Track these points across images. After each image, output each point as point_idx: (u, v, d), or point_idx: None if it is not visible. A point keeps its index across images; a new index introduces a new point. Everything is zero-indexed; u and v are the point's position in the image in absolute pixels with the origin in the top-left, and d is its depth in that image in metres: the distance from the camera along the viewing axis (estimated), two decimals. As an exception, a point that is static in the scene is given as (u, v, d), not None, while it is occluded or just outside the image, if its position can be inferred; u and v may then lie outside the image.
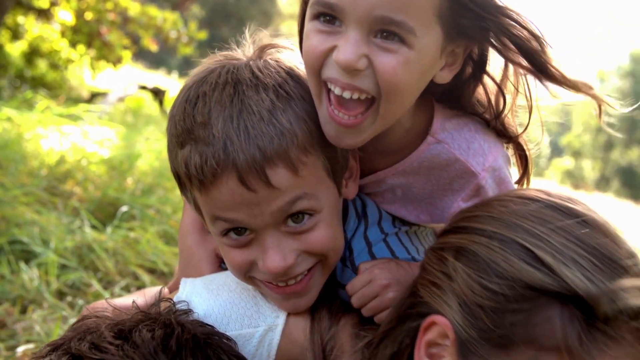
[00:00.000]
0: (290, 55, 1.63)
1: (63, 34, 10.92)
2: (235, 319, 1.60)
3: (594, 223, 1.28)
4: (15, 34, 11.08)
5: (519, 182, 1.77)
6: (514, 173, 1.76)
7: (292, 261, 1.51)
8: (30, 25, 10.98)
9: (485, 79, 1.63)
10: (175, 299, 1.62)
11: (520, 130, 1.70)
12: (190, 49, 11.28)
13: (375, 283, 1.59)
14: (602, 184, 45.75)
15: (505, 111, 1.65)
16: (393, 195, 1.74)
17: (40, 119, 6.67)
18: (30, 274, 3.50)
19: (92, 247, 3.92)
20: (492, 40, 1.50)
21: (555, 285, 1.18)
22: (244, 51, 1.62)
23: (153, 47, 11.26)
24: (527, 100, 1.64)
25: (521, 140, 1.72)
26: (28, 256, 3.74)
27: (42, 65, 11.25)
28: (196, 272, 1.78)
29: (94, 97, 11.18)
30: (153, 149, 6.71)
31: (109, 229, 4.24)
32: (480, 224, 1.35)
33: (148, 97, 12.38)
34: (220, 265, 1.82)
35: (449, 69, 1.53)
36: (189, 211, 1.89)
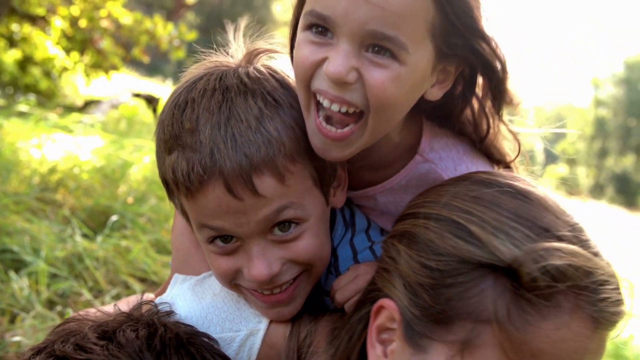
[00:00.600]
0: (281, 62, 1.61)
1: (57, 42, 10.90)
2: (216, 322, 1.60)
3: (531, 196, 1.29)
4: (9, 42, 11.07)
5: None
6: None
7: (277, 270, 1.50)
8: (25, 33, 10.96)
9: (474, 101, 1.62)
10: (158, 301, 1.63)
11: (511, 154, 1.69)
12: (183, 52, 11.25)
13: (360, 278, 1.57)
14: (596, 191, 45.90)
15: (490, 136, 1.64)
16: (383, 209, 1.74)
17: (33, 128, 6.64)
18: (20, 283, 3.47)
19: (83, 256, 3.89)
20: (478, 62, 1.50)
21: (486, 256, 1.19)
22: (235, 57, 1.61)
23: (145, 58, 11.25)
24: (511, 132, 1.65)
25: (512, 165, 1.70)
26: (18, 265, 3.71)
27: (35, 72, 11.23)
28: (193, 272, 1.76)
29: (87, 104, 11.16)
30: (146, 157, 6.69)
31: (99, 238, 4.21)
32: (421, 208, 1.38)
33: (142, 104, 12.36)
34: None
35: (439, 86, 1.52)
36: None
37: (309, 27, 1.41)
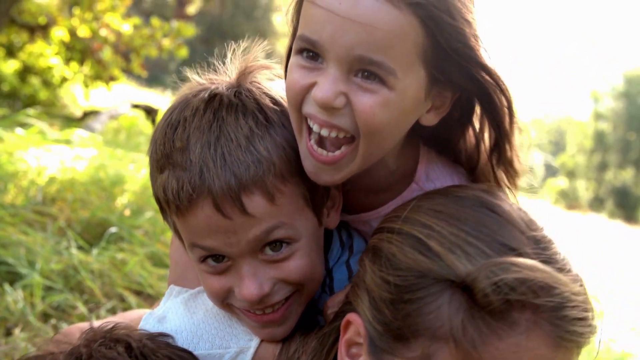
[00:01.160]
0: (274, 80, 1.61)
1: (57, 52, 10.91)
2: (206, 338, 1.60)
3: (497, 210, 1.28)
4: (9, 52, 11.08)
5: None
6: None
7: (268, 290, 1.49)
8: (24, 43, 10.97)
9: (470, 131, 1.61)
10: (148, 315, 1.64)
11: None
12: (185, 51, 11.20)
13: None
14: (596, 204, 45.87)
15: (480, 165, 1.62)
16: None
17: (31, 139, 6.63)
18: (14, 296, 3.45)
19: (79, 269, 3.88)
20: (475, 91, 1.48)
21: (443, 272, 1.18)
22: (229, 74, 1.60)
23: (143, 72, 11.24)
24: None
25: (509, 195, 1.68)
26: (13, 277, 3.69)
27: (35, 82, 11.24)
28: (190, 286, 1.75)
29: (86, 115, 11.16)
30: (143, 169, 6.67)
31: (95, 251, 4.20)
32: (388, 222, 1.38)
33: (141, 115, 12.37)
34: None
35: (435, 111, 1.51)
36: None
37: (300, 51, 1.42)
